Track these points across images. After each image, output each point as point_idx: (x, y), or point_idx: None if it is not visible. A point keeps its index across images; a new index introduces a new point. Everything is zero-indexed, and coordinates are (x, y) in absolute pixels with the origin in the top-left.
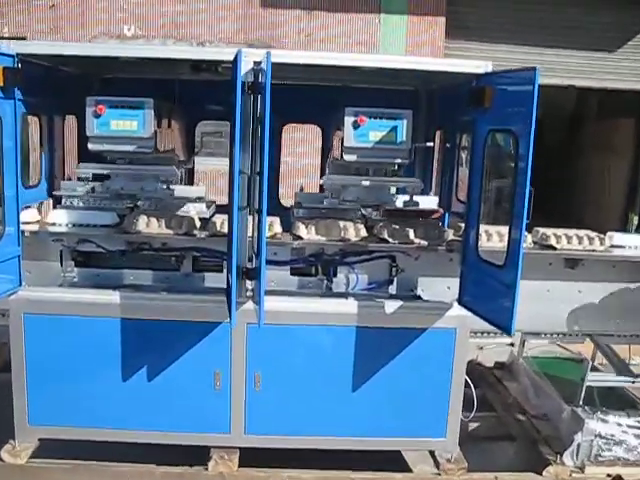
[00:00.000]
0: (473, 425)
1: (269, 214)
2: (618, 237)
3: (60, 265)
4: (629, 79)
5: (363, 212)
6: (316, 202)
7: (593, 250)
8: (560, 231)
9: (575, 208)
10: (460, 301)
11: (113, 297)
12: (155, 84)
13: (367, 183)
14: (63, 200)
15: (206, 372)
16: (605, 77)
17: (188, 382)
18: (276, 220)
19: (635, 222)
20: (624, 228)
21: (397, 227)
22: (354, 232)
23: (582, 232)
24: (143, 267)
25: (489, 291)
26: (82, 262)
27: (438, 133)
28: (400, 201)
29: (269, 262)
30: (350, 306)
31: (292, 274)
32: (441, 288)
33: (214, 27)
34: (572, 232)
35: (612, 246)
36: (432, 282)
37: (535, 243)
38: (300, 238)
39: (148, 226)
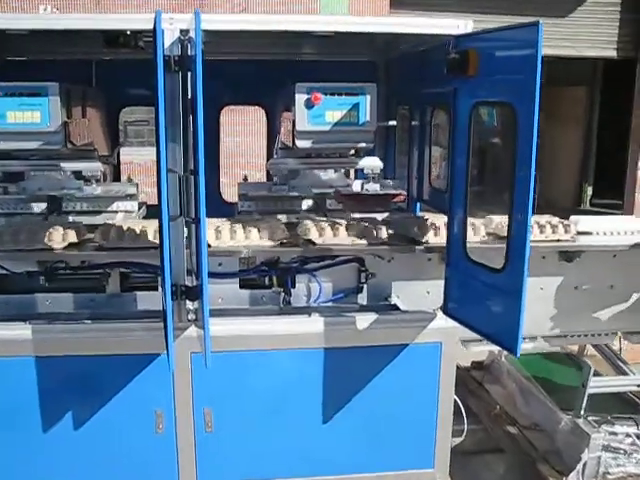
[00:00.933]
0: (457, 439)
1: (209, 215)
2: (584, 222)
3: None
4: (581, 45)
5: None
6: (263, 192)
7: (558, 240)
8: None
9: None
10: (445, 310)
11: (23, 331)
12: (67, 66)
13: (319, 167)
14: None
15: (145, 413)
16: (559, 44)
17: (124, 427)
18: (224, 225)
19: (589, 193)
20: (579, 199)
21: (366, 224)
22: (317, 232)
23: (543, 218)
24: (62, 289)
25: (483, 299)
26: None
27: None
28: (357, 185)
29: (213, 275)
30: (314, 324)
31: (242, 287)
32: (419, 293)
33: (142, 6)
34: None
35: (579, 233)
36: (408, 287)
37: (489, 234)
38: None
39: (64, 240)
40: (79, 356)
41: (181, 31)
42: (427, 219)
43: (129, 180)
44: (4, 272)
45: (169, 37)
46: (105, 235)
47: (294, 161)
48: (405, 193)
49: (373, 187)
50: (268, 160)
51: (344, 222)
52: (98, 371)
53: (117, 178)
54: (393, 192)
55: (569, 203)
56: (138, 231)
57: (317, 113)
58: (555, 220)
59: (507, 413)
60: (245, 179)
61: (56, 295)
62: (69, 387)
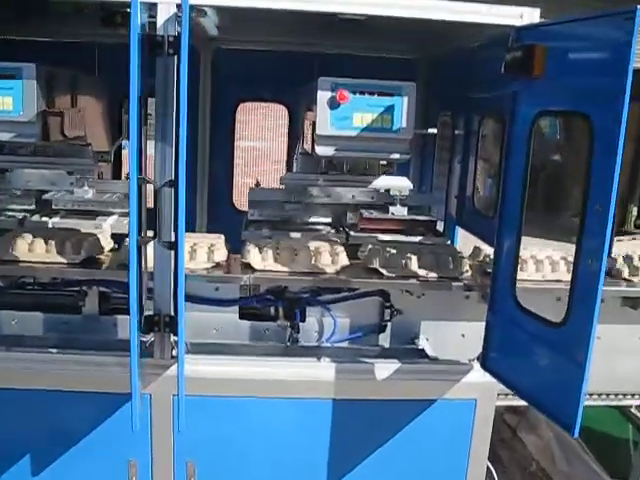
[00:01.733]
0: None
1: (215, 226)
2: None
3: None
4: None
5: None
6: (276, 205)
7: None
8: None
9: None
10: (484, 362)
11: None
12: (65, 50)
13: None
14: None
15: (116, 463)
16: None
17: (90, 478)
18: (219, 241)
19: (634, 213)
20: (622, 220)
21: (393, 252)
22: (329, 258)
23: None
24: (31, 307)
25: (533, 357)
26: None
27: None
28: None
29: (209, 302)
30: (324, 371)
31: (242, 317)
32: (453, 336)
33: None
34: (542, 254)
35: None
36: (440, 328)
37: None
38: (252, 269)
39: (31, 251)
40: (42, 390)
41: (178, 6)
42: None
43: (127, 178)
44: None
45: (164, 13)
46: (77, 248)
47: (311, 178)
48: (436, 220)
49: (400, 211)
50: (288, 168)
51: (369, 247)
52: (63, 410)
53: (117, 176)
54: (423, 218)
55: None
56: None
57: (343, 115)
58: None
59: (544, 470)
60: (257, 184)
61: (24, 314)
62: (28, 426)
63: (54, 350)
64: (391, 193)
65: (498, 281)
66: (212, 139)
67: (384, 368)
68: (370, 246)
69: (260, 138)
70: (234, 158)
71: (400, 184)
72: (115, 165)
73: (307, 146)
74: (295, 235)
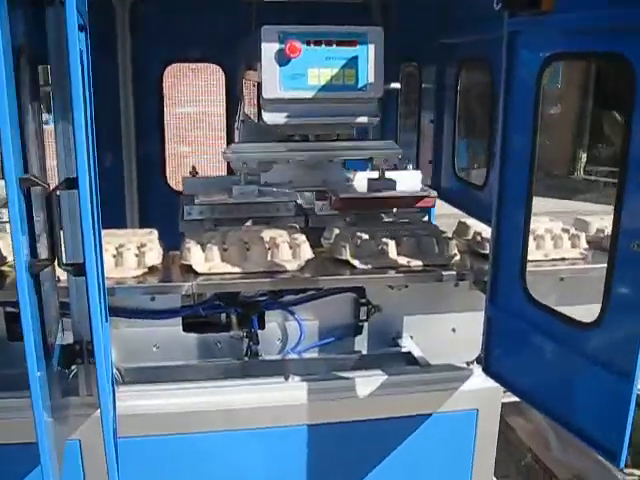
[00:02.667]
0: None
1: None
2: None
3: None
4: None
5: (299, 201)
6: (219, 193)
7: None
8: None
9: None
10: (486, 365)
11: None
12: None
13: (306, 156)
14: None
15: None
16: None
17: None
18: (151, 238)
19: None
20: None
21: (365, 237)
22: (289, 252)
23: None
24: None
25: (556, 366)
26: None
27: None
28: (361, 180)
29: (144, 314)
30: (293, 392)
31: (186, 330)
32: (442, 331)
33: None
34: (540, 227)
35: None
36: (427, 322)
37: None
38: (194, 273)
39: None
40: None
41: None
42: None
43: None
44: None
45: None
46: None
47: (264, 147)
48: (435, 194)
49: (389, 186)
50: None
51: (335, 231)
52: None
53: None
54: (420, 194)
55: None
56: None
57: (294, 72)
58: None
59: (539, 460)
60: (193, 172)
61: None
62: None
63: None
64: (374, 162)
65: (500, 266)
66: (137, 110)
67: (366, 382)
68: (336, 231)
69: (194, 102)
70: (164, 130)
71: (389, 149)
72: None
73: (251, 111)
74: (246, 224)
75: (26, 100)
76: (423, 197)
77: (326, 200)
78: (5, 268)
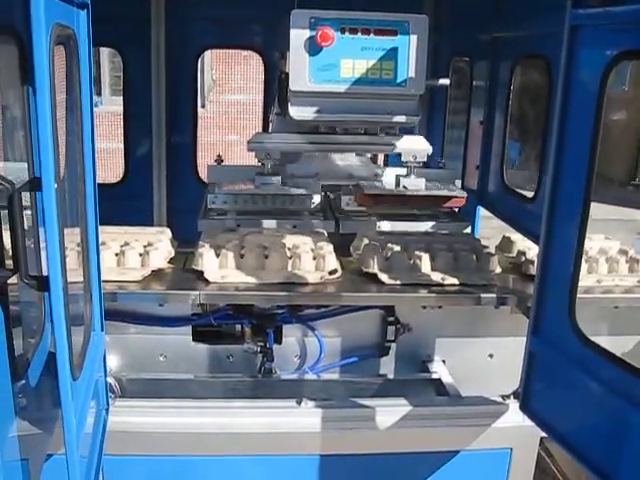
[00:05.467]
0: None
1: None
2: None
3: None
4: None
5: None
6: (244, 183)
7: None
8: None
9: None
10: (524, 403)
11: None
12: None
13: (333, 148)
14: None
15: None
16: None
17: None
18: (162, 237)
19: None
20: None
21: (397, 249)
22: (312, 263)
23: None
24: None
25: (604, 414)
26: None
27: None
28: (390, 176)
29: (152, 320)
30: (304, 419)
31: (196, 339)
32: (478, 357)
33: None
34: (594, 246)
35: None
36: (460, 347)
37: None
38: (205, 281)
39: None
40: None
41: None
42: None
43: None
44: None
45: None
46: None
47: (288, 139)
48: (465, 194)
49: (415, 184)
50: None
51: (364, 241)
52: None
53: None
54: (447, 194)
55: None
56: None
57: (326, 62)
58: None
59: None
60: (218, 160)
61: None
62: None
63: None
64: (403, 159)
65: (546, 295)
66: (170, 98)
67: (388, 412)
68: (366, 241)
69: (245, 90)
70: (197, 119)
71: (417, 147)
72: None
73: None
74: (269, 224)
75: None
76: (451, 197)
77: (352, 195)
78: None
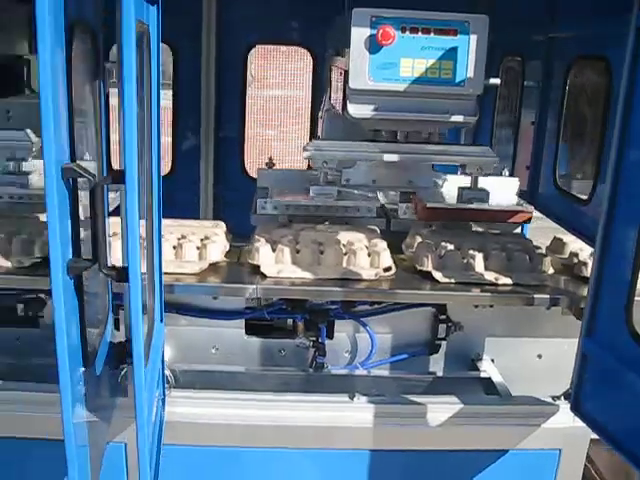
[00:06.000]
0: None
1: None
2: None
3: None
4: None
5: (382, 201)
6: (295, 191)
7: None
8: None
9: None
10: (575, 404)
11: None
12: None
13: (394, 157)
14: None
15: None
16: None
17: None
18: (218, 231)
19: None
20: None
21: (450, 247)
22: (367, 259)
23: None
24: None
25: None
26: None
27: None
28: (450, 186)
29: (206, 313)
30: (357, 414)
31: (249, 332)
32: (526, 357)
33: None
34: None
35: None
36: (510, 346)
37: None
38: (261, 275)
39: None
40: None
41: None
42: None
43: None
44: None
45: None
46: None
47: (347, 146)
48: (532, 210)
49: (479, 194)
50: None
51: (417, 240)
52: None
53: None
54: (514, 209)
55: None
56: None
57: (386, 61)
58: None
59: None
60: (269, 164)
61: None
62: None
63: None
64: (467, 170)
65: (601, 296)
66: (219, 93)
67: (439, 409)
68: (419, 239)
69: (282, 85)
70: (245, 114)
71: (483, 157)
72: None
73: (336, 102)
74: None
75: (84, 80)
76: (517, 212)
77: (410, 202)
78: None
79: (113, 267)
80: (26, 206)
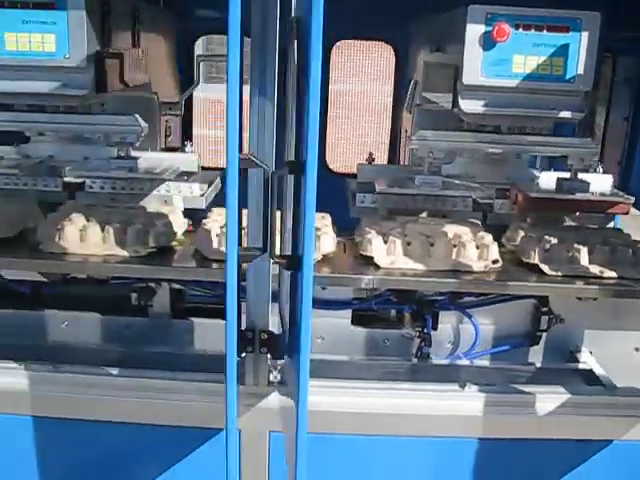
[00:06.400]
0: None
1: None
2: None
3: None
4: None
5: (474, 196)
6: (399, 183)
7: None
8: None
9: None
10: None
11: (17, 379)
12: None
13: (498, 149)
14: None
15: None
16: None
17: None
18: (325, 223)
19: None
20: None
21: (554, 241)
22: (476, 252)
23: None
24: (85, 307)
25: None
26: None
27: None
28: (548, 181)
29: (317, 303)
30: (469, 403)
31: (355, 323)
32: (624, 350)
33: None
34: None
35: None
36: (606, 339)
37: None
38: (375, 266)
39: (84, 240)
40: (95, 422)
41: None
42: None
43: (184, 144)
44: None
45: None
46: (143, 239)
47: (452, 137)
48: (632, 200)
49: (582, 188)
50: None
51: (520, 233)
52: (124, 447)
53: (187, 135)
54: (614, 199)
55: None
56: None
57: (499, 57)
58: None
59: None
60: (369, 159)
61: (77, 315)
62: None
63: (114, 371)
64: (569, 162)
65: None
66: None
67: (546, 399)
68: (522, 233)
69: (355, 79)
70: (327, 109)
71: (584, 149)
72: (185, 120)
73: (429, 97)
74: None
75: None
76: (618, 202)
77: (506, 198)
78: (173, 243)
79: (284, 256)
80: (127, 196)
